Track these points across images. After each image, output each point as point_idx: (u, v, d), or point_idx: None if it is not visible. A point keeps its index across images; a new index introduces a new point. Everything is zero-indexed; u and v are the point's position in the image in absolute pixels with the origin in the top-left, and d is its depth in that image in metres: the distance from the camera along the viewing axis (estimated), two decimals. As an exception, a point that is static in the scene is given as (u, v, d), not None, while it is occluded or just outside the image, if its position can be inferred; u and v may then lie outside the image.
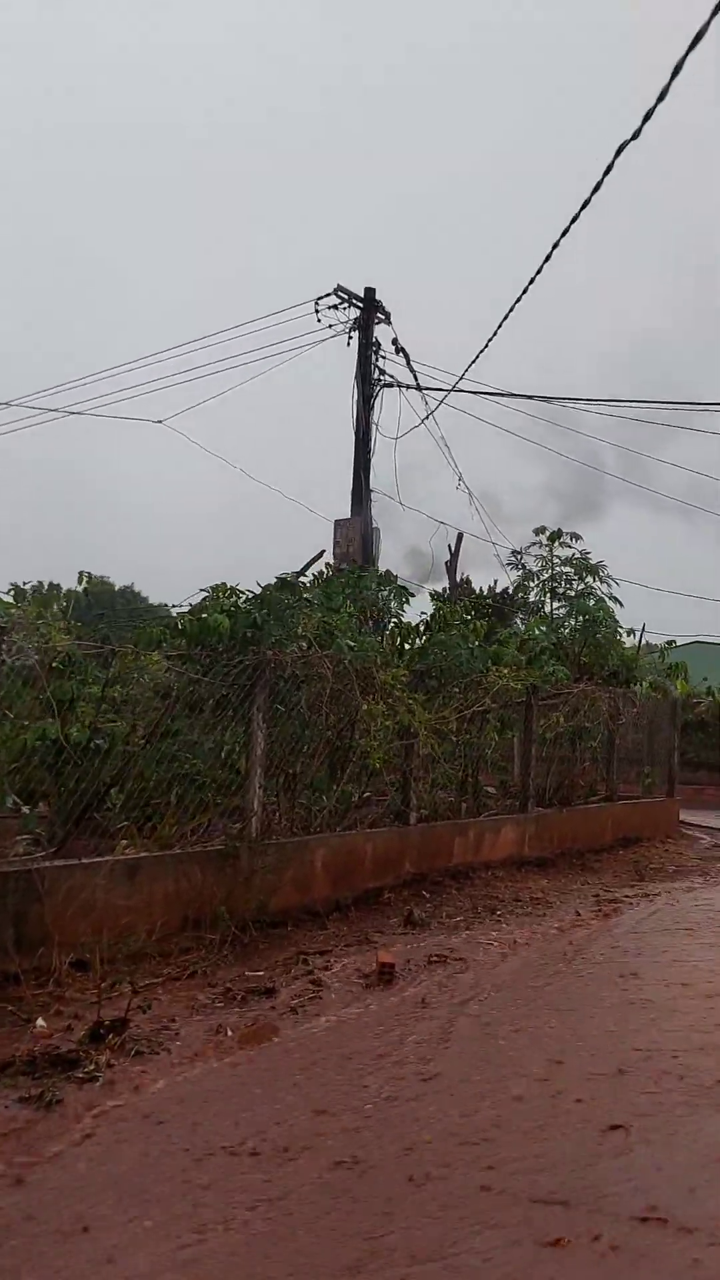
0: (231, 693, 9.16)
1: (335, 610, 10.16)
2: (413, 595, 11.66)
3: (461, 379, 18.16)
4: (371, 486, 21.79)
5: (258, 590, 9.98)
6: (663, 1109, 4.92)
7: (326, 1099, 5.01)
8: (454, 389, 19.48)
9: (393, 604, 11.52)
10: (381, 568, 22.58)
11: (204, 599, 10.02)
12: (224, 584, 10.08)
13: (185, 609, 9.86)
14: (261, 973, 7.59)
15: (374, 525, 21.76)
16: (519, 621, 17.65)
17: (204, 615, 9.30)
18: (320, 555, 11.84)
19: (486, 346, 14.96)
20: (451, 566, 20.73)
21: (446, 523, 20.54)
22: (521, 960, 8.03)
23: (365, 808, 11.40)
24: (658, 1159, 4.37)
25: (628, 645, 18.00)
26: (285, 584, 9.78)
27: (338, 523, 21.80)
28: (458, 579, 23.90)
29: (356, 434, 21.85)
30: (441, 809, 11.93)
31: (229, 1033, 6.09)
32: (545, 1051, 5.80)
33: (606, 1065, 5.60)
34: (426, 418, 21.90)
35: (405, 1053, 5.74)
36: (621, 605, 17.12)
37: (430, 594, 17.67)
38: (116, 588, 57.48)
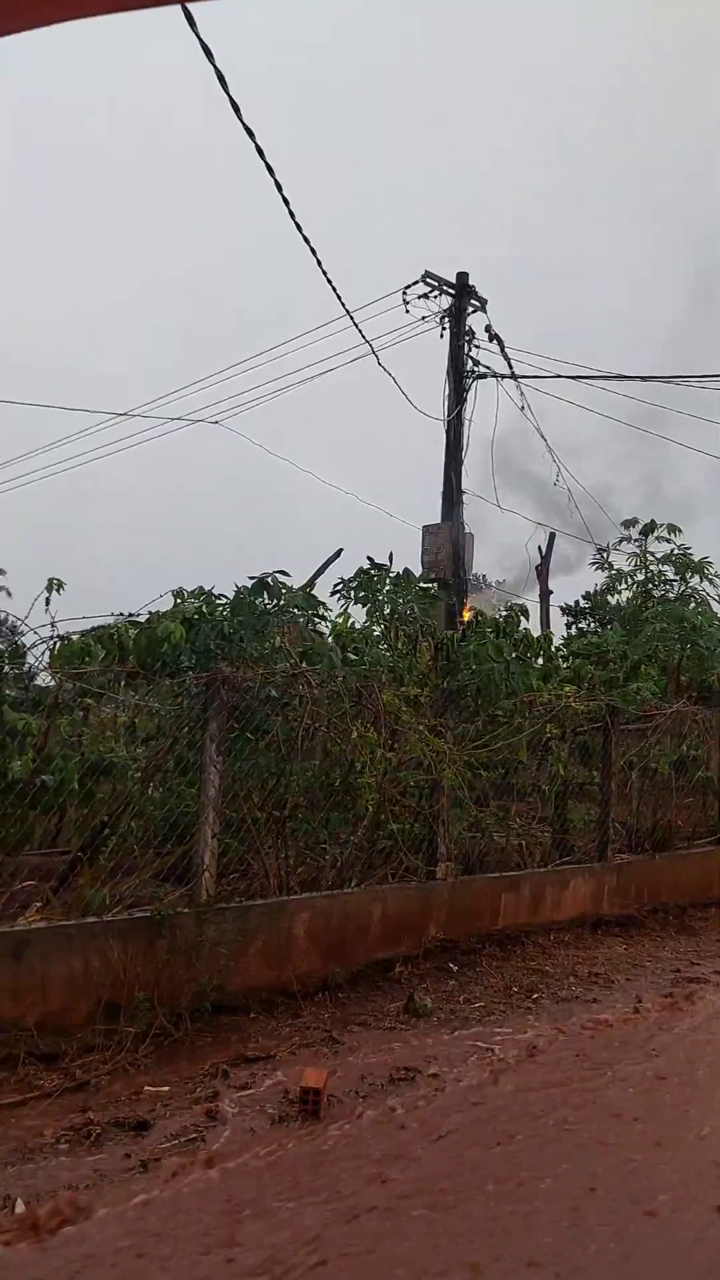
0: (183, 720, 7.42)
1: (321, 617, 8.28)
2: (437, 599, 9.63)
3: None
4: (464, 488, 19.87)
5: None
6: None
7: None
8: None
9: (413, 609, 9.47)
10: (475, 576, 20.49)
11: (174, 605, 8.30)
12: (199, 588, 8.34)
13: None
14: (166, 1088, 5.76)
15: (466, 531, 19.78)
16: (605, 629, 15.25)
17: (152, 624, 7.56)
18: (338, 554, 9.98)
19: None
20: (543, 572, 18.50)
21: (544, 524, 18.35)
22: (514, 1086, 5.89)
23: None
24: None
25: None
26: (263, 586, 7.96)
27: (426, 529, 19.92)
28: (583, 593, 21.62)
29: (448, 432, 19.95)
30: (488, 859, 9.84)
31: None
32: None
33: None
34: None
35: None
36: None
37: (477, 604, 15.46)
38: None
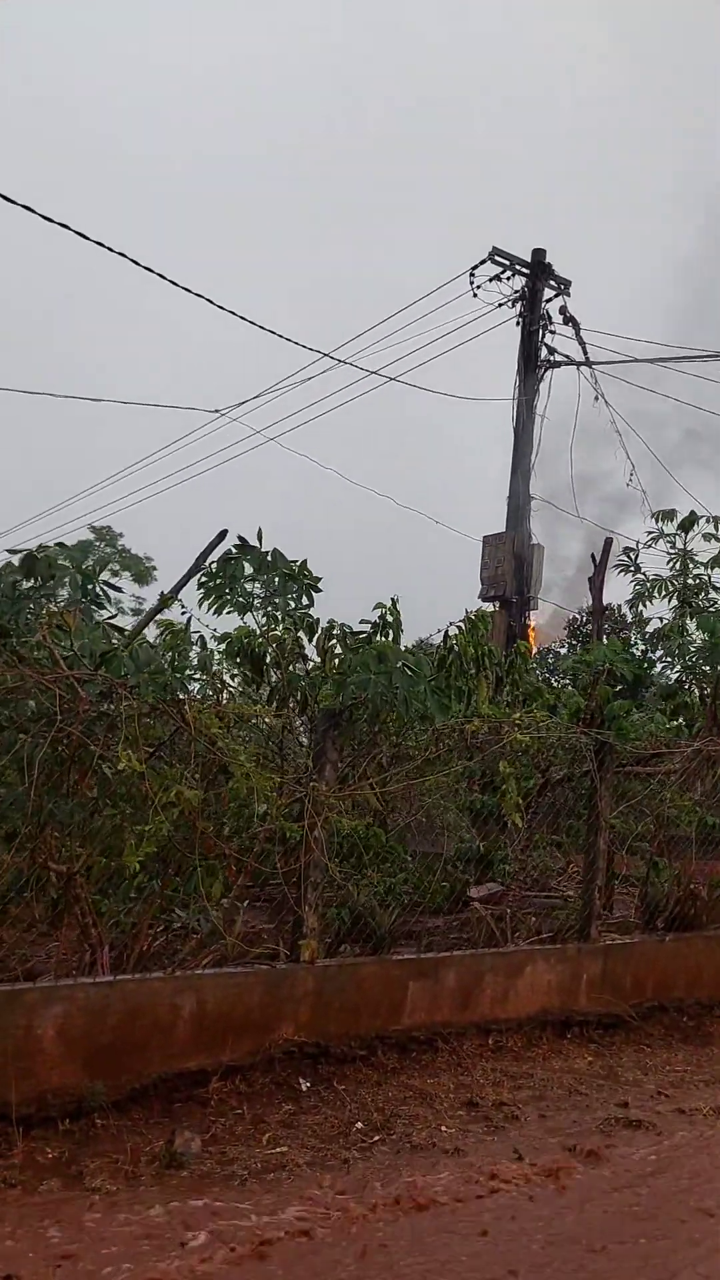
0: None
1: (99, 605, 6.22)
2: (318, 589, 7.40)
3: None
4: (532, 494, 17.48)
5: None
6: None
7: None
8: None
9: (283, 601, 7.24)
10: (543, 594, 18.05)
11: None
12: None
13: None
14: None
15: (533, 542, 17.34)
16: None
17: None
18: (223, 535, 7.89)
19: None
20: (597, 583, 15.91)
21: (616, 532, 15.71)
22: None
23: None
24: None
25: None
26: (30, 561, 6.01)
27: (486, 539, 17.62)
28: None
29: (516, 429, 17.64)
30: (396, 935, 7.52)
31: None
32: None
33: None
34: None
35: None
36: None
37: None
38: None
